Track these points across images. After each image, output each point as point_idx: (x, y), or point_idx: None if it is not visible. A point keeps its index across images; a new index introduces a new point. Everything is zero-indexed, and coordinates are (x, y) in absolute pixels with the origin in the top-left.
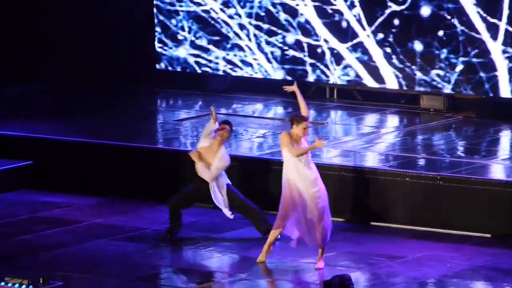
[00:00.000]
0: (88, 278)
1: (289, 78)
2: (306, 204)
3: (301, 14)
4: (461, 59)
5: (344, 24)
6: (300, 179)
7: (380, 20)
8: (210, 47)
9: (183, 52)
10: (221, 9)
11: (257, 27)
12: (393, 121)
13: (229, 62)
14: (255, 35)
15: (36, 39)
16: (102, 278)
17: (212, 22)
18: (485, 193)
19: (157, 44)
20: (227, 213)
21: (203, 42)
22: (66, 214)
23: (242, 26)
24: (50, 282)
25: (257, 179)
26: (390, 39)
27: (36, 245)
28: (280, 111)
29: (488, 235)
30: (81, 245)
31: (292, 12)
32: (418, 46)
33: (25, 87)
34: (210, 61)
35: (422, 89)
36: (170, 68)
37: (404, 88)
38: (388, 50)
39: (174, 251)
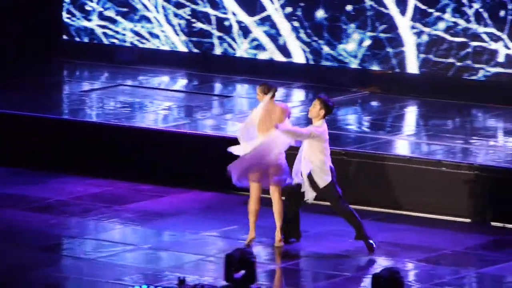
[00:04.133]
0: None
1: (196, 50)
2: None
3: None
4: (369, 34)
5: None
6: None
7: None
8: (118, 18)
9: (90, 23)
10: None
11: None
12: (299, 95)
13: (136, 33)
14: (163, 7)
15: None
16: (5, 247)
17: None
18: (389, 169)
19: (64, 15)
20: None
21: (111, 13)
22: None
23: None
24: None
25: (162, 151)
26: (298, 13)
27: None
28: (185, 83)
29: (391, 211)
30: None
31: None
32: (326, 20)
33: None
34: (117, 32)
35: (329, 63)
36: (77, 39)
37: (311, 62)
38: (296, 24)
39: (77, 222)
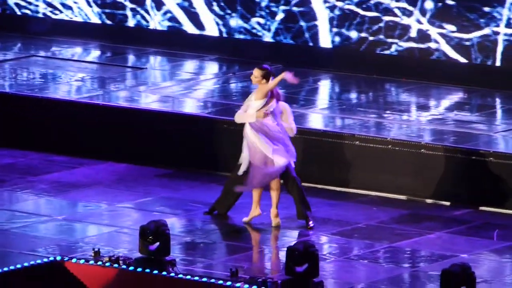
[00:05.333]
0: None
1: (109, 22)
2: None
3: None
4: (282, 7)
5: None
6: None
7: None
8: None
9: None
10: None
11: None
12: (212, 68)
13: (49, 4)
14: None
15: None
16: None
17: None
18: (302, 142)
19: None
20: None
21: None
22: None
23: None
24: None
25: (76, 122)
26: None
27: None
28: (98, 55)
29: (304, 184)
30: None
31: None
32: None
33: None
34: (30, 3)
35: (242, 36)
36: None
37: (224, 35)
38: None
39: None
